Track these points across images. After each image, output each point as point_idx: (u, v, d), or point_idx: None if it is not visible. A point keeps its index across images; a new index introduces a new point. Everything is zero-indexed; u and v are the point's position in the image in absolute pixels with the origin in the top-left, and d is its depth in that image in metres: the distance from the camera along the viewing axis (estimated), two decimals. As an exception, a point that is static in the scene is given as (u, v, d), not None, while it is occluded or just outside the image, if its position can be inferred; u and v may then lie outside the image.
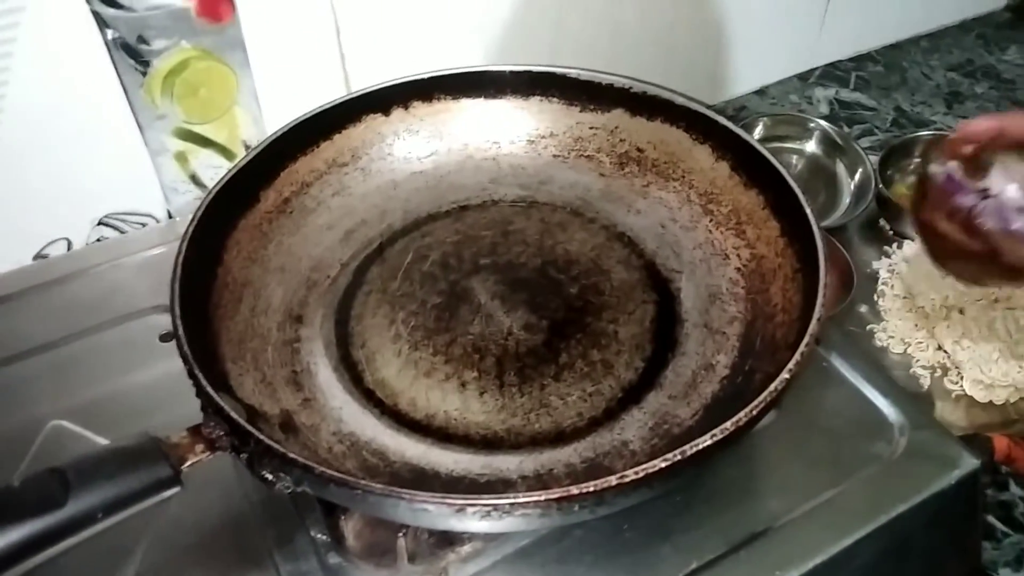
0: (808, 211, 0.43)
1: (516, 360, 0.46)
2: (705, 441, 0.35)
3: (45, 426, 0.49)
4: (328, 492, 0.36)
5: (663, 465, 0.34)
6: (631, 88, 0.52)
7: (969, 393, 0.61)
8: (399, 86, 0.54)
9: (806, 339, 0.38)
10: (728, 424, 0.35)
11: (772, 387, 0.36)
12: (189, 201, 0.68)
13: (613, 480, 0.34)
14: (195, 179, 0.67)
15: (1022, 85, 0.88)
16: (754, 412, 0.36)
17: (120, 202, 0.67)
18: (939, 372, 0.63)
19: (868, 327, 0.66)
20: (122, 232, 0.68)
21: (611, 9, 0.75)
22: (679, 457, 0.34)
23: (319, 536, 0.43)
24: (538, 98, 0.55)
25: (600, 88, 0.53)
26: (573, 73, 0.53)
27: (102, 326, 0.54)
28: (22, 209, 0.62)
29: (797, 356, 0.37)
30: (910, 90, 0.88)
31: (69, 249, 0.66)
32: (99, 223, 0.67)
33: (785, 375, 0.37)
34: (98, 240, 0.67)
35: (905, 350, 0.64)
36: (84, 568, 0.41)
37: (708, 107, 0.51)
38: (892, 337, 0.65)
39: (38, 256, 0.66)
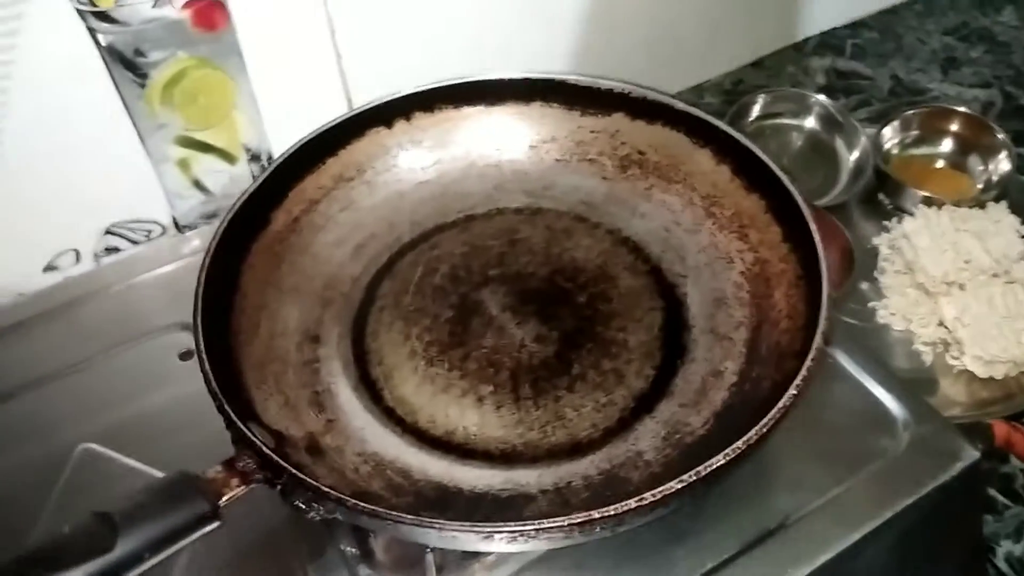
0: (809, 219, 0.44)
1: (530, 372, 0.47)
2: (719, 461, 0.36)
3: (74, 450, 0.51)
4: (360, 521, 0.38)
5: (679, 486, 0.36)
6: (630, 93, 0.53)
7: (970, 369, 0.62)
8: (400, 99, 0.54)
9: (812, 352, 0.39)
10: (740, 443, 0.37)
11: (781, 403, 0.38)
12: (193, 206, 0.69)
13: (632, 503, 0.35)
14: (198, 184, 0.68)
15: (1017, 48, 0.88)
16: (765, 429, 0.37)
17: (126, 211, 0.67)
18: (941, 348, 0.64)
19: (870, 304, 0.67)
20: (130, 240, 0.69)
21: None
22: (694, 477, 0.36)
23: (349, 550, 0.45)
24: (538, 104, 0.55)
25: (599, 93, 0.53)
26: (573, 79, 0.54)
27: (120, 346, 0.56)
28: (29, 222, 0.63)
29: (804, 371, 0.38)
30: (906, 56, 0.88)
31: (78, 260, 0.67)
32: (106, 232, 0.68)
33: (793, 390, 0.38)
34: (106, 250, 0.68)
35: (907, 327, 0.66)
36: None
37: (703, 105, 0.51)
38: (894, 314, 0.66)
39: (48, 268, 0.67)
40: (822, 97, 0.77)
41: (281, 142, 0.54)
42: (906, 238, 0.69)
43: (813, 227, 0.44)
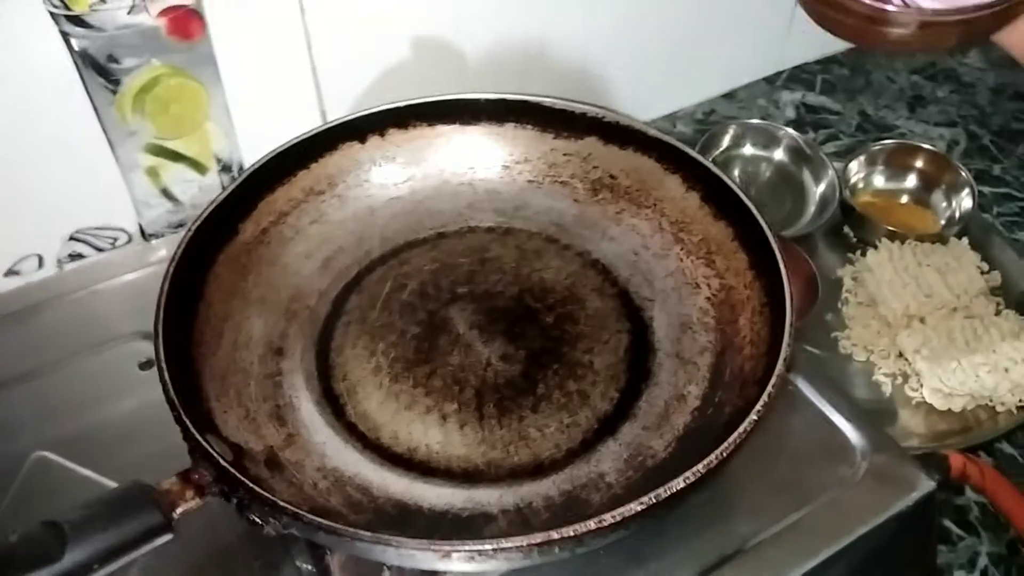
0: (775, 247, 0.45)
1: (495, 392, 0.47)
2: (678, 484, 0.36)
3: (28, 458, 0.50)
4: (317, 537, 0.38)
5: (639, 508, 0.36)
6: (603, 117, 0.53)
7: (928, 401, 0.63)
8: (374, 114, 0.54)
9: (772, 379, 0.40)
10: (700, 467, 0.37)
11: (741, 428, 0.38)
12: (161, 214, 0.68)
13: (592, 524, 0.35)
14: (166, 193, 0.67)
15: (982, 89, 0.91)
16: (724, 454, 0.37)
17: (91, 217, 0.66)
18: (900, 380, 0.65)
19: (832, 334, 0.68)
20: (94, 247, 0.68)
21: (583, 17, 0.75)
22: (654, 500, 0.36)
23: (305, 567, 0.45)
24: (512, 125, 0.55)
25: (573, 116, 0.54)
26: (547, 102, 0.54)
27: (80, 354, 0.55)
28: (-8, 226, 0.62)
29: (764, 397, 0.39)
30: (874, 93, 0.90)
31: (41, 265, 0.66)
32: (71, 238, 0.67)
33: (754, 416, 0.38)
34: (69, 256, 0.67)
35: (868, 358, 0.66)
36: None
37: (675, 133, 0.52)
38: (856, 345, 0.67)
39: (10, 272, 0.65)
40: (791, 130, 0.79)
41: (254, 153, 0.53)
42: (869, 270, 0.70)
43: (779, 255, 0.45)
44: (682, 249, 0.52)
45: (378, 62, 0.68)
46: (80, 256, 0.67)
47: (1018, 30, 0.40)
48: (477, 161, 0.56)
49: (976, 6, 0.41)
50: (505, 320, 0.50)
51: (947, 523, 0.58)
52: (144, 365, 0.54)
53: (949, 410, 0.63)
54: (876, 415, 0.62)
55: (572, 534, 0.35)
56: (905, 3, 0.41)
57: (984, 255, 0.71)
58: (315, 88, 0.68)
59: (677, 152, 0.51)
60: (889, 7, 0.42)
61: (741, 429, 0.38)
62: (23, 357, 0.54)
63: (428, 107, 0.55)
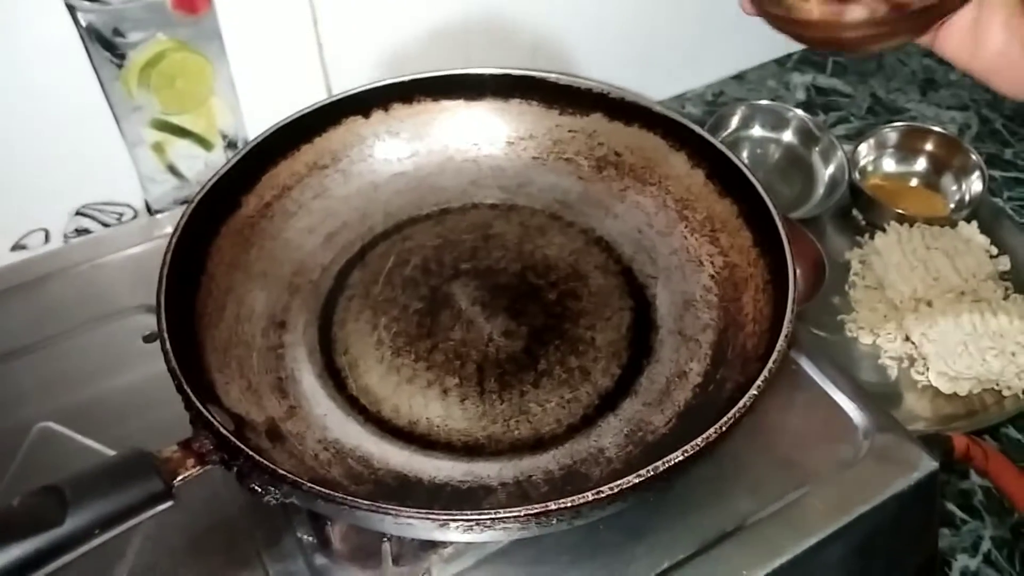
0: (780, 225, 0.45)
1: (496, 367, 0.47)
2: (677, 457, 0.36)
3: (32, 428, 0.50)
4: (316, 506, 0.38)
5: (636, 481, 0.36)
6: (609, 93, 0.53)
7: (934, 384, 0.63)
8: (379, 88, 0.54)
9: (773, 355, 0.39)
10: (699, 440, 0.37)
11: (741, 403, 0.38)
12: (167, 191, 0.68)
13: (589, 496, 0.35)
14: (172, 169, 0.67)
15: (995, 72, 0.90)
16: (723, 428, 0.37)
17: (97, 192, 0.67)
18: (906, 363, 0.65)
19: (839, 317, 0.68)
20: (100, 222, 0.68)
21: (591, -3, 0.75)
22: (651, 473, 0.36)
23: (306, 538, 0.45)
24: (517, 101, 0.55)
25: (579, 92, 0.54)
26: (552, 77, 0.54)
27: (85, 326, 0.55)
28: (-1, 200, 0.63)
29: (765, 373, 0.39)
30: (886, 76, 0.89)
31: (47, 240, 0.67)
32: (77, 213, 0.67)
33: (754, 391, 0.38)
34: (76, 231, 0.67)
35: (874, 341, 0.66)
36: (76, 570, 0.42)
37: (684, 114, 0.52)
38: (862, 328, 0.67)
39: (16, 247, 0.66)
40: (800, 112, 0.78)
41: (259, 129, 0.53)
42: (877, 254, 0.69)
43: (783, 232, 0.44)
44: (686, 227, 0.51)
45: (384, 37, 0.68)
46: (86, 231, 0.67)
47: (953, 38, 0.38)
48: (482, 137, 0.56)
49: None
50: (508, 296, 0.50)
51: (951, 506, 0.58)
52: (148, 338, 0.53)
53: (955, 394, 0.62)
54: (882, 398, 0.62)
55: (569, 504, 0.35)
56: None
57: (993, 239, 0.71)
58: (320, 64, 0.68)
59: (683, 129, 0.51)
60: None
61: (741, 404, 0.38)
62: (28, 329, 0.55)
63: (433, 82, 0.54)
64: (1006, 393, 0.62)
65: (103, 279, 0.58)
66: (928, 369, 0.63)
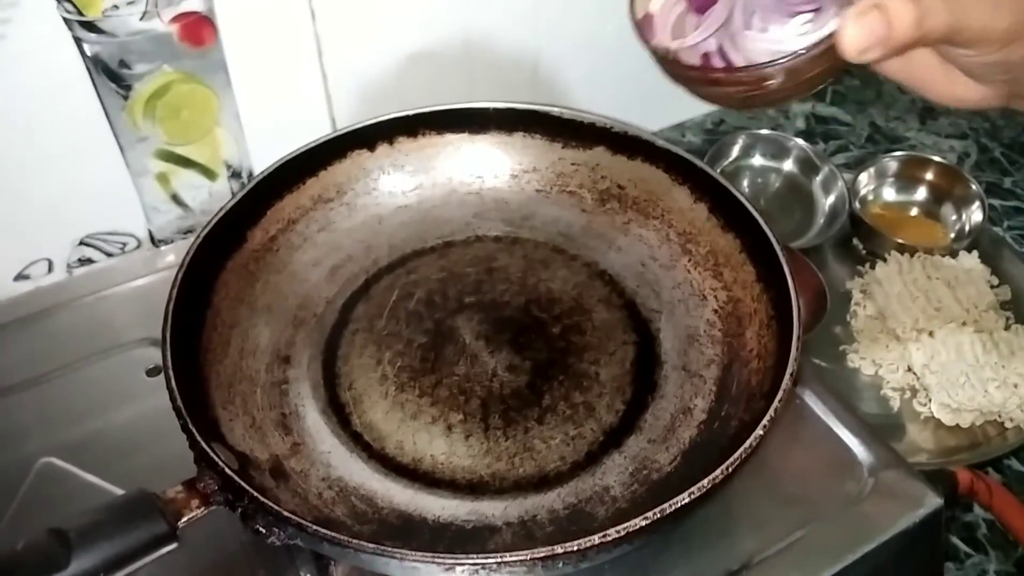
0: (783, 261, 0.45)
1: (500, 402, 0.47)
2: (683, 499, 0.36)
3: (35, 463, 0.50)
4: (320, 547, 0.38)
5: (643, 523, 0.36)
6: (612, 127, 0.53)
7: (937, 416, 0.63)
8: (384, 122, 0.54)
9: (779, 394, 0.39)
10: (705, 482, 0.37)
11: (747, 443, 0.38)
12: (170, 220, 0.68)
13: (596, 539, 0.35)
14: (176, 199, 0.68)
15: (993, 101, 0.90)
16: (730, 469, 0.37)
17: (101, 222, 0.67)
18: (908, 394, 0.65)
19: (841, 347, 0.68)
20: (104, 252, 0.68)
21: (590, 26, 0.75)
22: (658, 515, 0.36)
23: (309, 576, 0.45)
24: (521, 134, 0.55)
25: (581, 126, 0.54)
26: (556, 111, 0.54)
27: (88, 359, 0.55)
28: (2, 230, 0.63)
29: (771, 412, 0.39)
30: (885, 105, 0.90)
31: (50, 270, 0.67)
32: (81, 243, 0.67)
33: (760, 431, 0.38)
34: (79, 261, 0.67)
35: (876, 371, 0.66)
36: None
37: (684, 143, 0.52)
38: (864, 358, 0.67)
39: (20, 276, 0.66)
40: (801, 141, 0.78)
41: (263, 160, 0.54)
42: (878, 283, 0.69)
43: (786, 268, 0.45)
44: (690, 261, 0.52)
45: (389, 70, 0.69)
46: (90, 261, 0.67)
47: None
48: (485, 170, 0.56)
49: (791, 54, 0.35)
50: (511, 330, 0.50)
51: (955, 540, 0.58)
52: (151, 371, 0.54)
53: (957, 425, 0.62)
54: (884, 430, 0.62)
55: (576, 548, 0.35)
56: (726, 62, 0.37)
57: (994, 269, 0.71)
58: (325, 96, 0.68)
59: (685, 163, 0.51)
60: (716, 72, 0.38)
61: (747, 444, 0.38)
62: (31, 362, 0.55)
63: (437, 116, 0.55)
64: (1008, 425, 0.62)
65: (106, 312, 0.58)
66: (930, 400, 0.63)
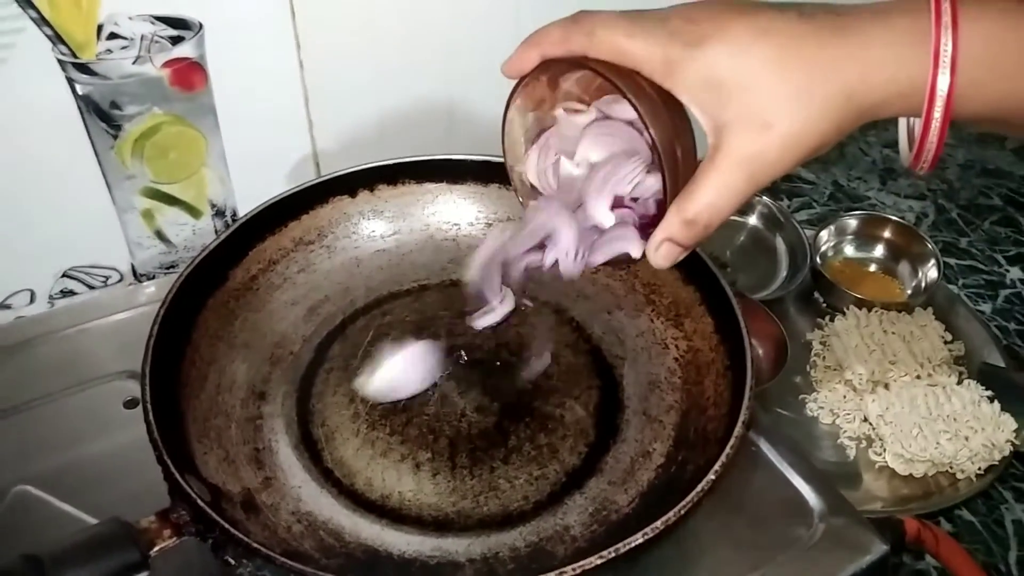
0: (739, 313, 0.47)
1: (468, 442, 0.49)
2: (637, 539, 0.38)
3: (9, 491, 0.50)
4: (288, 579, 0.39)
5: (599, 562, 0.37)
6: (583, 182, 0.56)
7: (891, 465, 0.65)
8: (366, 170, 0.57)
9: (731, 441, 0.42)
10: (658, 523, 0.39)
11: (699, 487, 0.40)
12: (153, 255, 0.70)
13: (553, 576, 0.37)
14: (160, 235, 0.69)
15: (951, 164, 0.95)
16: (682, 511, 0.39)
17: (85, 255, 0.68)
18: (864, 444, 0.67)
19: (800, 396, 0.70)
20: (86, 284, 0.69)
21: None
22: (613, 554, 0.37)
23: (277, 608, 0.45)
24: (496, 185, 0.58)
25: (555, 180, 0.56)
26: (530, 166, 0.57)
27: (67, 390, 0.56)
28: (-15, 259, 0.64)
29: (723, 458, 0.41)
30: (848, 165, 0.94)
31: (32, 300, 0.68)
32: (64, 275, 0.68)
33: (711, 476, 0.40)
34: (61, 292, 0.68)
35: (834, 420, 0.69)
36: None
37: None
38: (822, 407, 0.69)
39: (1, 306, 0.67)
40: (766, 197, 0.82)
41: (248, 200, 0.56)
42: (837, 336, 0.72)
43: (741, 321, 0.47)
44: (653, 310, 0.54)
45: (372, 120, 0.71)
46: (72, 293, 0.68)
47: None
48: (462, 218, 0.59)
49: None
50: (481, 372, 0.52)
51: (906, 587, 0.59)
52: (129, 403, 0.55)
53: (911, 475, 0.65)
54: (841, 477, 0.64)
55: (534, 585, 0.37)
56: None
57: (948, 325, 0.74)
58: (311, 141, 0.70)
59: (651, 219, 0.54)
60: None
61: (699, 488, 0.40)
62: (10, 390, 0.56)
63: (417, 166, 0.57)
64: (960, 476, 0.64)
65: (86, 344, 0.59)
66: (885, 450, 0.66)
